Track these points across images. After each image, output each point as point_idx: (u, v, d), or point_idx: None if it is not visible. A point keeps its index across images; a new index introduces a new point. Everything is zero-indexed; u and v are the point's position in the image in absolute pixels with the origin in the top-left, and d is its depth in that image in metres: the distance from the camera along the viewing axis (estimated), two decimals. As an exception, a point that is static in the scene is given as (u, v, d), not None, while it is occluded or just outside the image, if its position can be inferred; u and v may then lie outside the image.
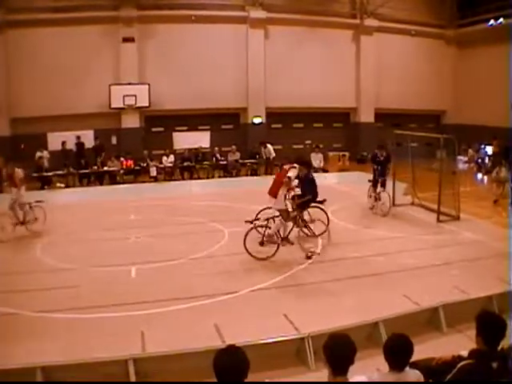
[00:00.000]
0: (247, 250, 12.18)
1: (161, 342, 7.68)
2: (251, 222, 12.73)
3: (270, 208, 12.93)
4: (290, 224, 12.73)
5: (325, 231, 13.49)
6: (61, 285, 10.59)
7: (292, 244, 12.66)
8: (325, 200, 13.72)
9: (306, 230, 13.15)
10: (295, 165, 12.85)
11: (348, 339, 4.42)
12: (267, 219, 12.65)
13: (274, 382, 4.38)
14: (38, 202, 15.01)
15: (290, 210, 12.55)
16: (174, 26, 26.83)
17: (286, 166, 12.87)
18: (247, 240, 12.15)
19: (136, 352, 7.20)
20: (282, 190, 12.37)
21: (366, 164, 28.40)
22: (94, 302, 9.55)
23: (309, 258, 12.18)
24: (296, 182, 13.06)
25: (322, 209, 13.91)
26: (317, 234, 13.08)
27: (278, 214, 12.47)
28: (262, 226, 12.54)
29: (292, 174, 12.57)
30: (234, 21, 27.89)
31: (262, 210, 13.58)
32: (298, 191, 13.24)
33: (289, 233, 12.70)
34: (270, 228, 12.43)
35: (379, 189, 16.74)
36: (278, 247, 12.28)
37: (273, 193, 12.47)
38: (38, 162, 22.79)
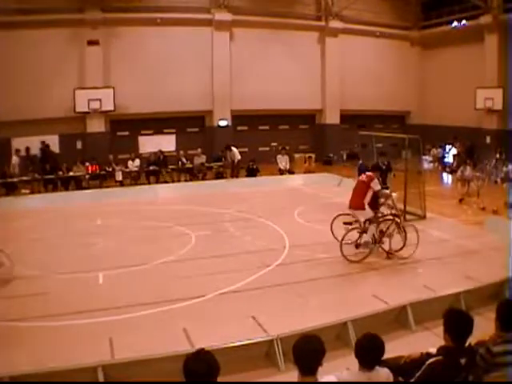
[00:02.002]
0: (343, 253, 11.94)
1: (130, 347, 7.58)
2: (350, 224, 12.65)
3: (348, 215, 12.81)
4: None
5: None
6: (27, 292, 10.40)
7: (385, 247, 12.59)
8: None
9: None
10: (371, 174, 12.72)
11: (317, 340, 4.43)
12: (364, 222, 12.34)
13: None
14: None
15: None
16: (140, 28, 26.65)
17: (364, 177, 12.70)
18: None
19: (105, 358, 7.10)
20: (366, 200, 12.27)
21: (332, 165, 28.72)
22: (62, 309, 9.39)
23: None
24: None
25: None
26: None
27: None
28: (357, 230, 12.35)
29: (375, 186, 12.40)
30: (200, 23, 27.79)
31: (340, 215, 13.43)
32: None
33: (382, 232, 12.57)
34: (366, 233, 12.26)
35: None
36: (370, 250, 12.22)
37: (360, 205, 12.26)
38: (9, 169, 22.45)
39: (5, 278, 11.55)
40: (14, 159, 23.07)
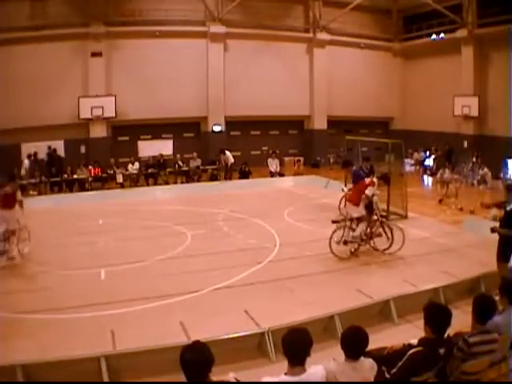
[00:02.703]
0: (331, 249, 12.07)
1: (130, 339, 7.59)
2: (338, 222, 12.69)
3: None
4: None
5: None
6: (34, 287, 10.43)
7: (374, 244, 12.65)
8: None
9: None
10: (374, 180, 12.91)
11: (304, 332, 4.45)
12: (351, 220, 12.40)
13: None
14: None
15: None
16: (139, 41, 26.68)
17: (367, 180, 12.81)
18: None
19: (107, 349, 7.11)
20: (363, 201, 12.37)
21: (320, 168, 28.76)
22: (67, 303, 9.39)
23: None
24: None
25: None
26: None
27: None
28: (348, 227, 12.36)
29: (369, 192, 12.45)
30: (195, 35, 27.80)
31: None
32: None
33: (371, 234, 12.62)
34: (353, 230, 12.32)
35: None
36: (358, 246, 12.37)
37: (354, 201, 12.44)
38: (19, 172, 22.36)
39: (25, 252, 12.22)
40: (25, 163, 23.18)
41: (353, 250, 12.29)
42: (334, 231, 12.22)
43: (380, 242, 12.61)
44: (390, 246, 12.48)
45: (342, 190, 15.69)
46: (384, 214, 14.87)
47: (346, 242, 12.27)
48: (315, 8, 30.27)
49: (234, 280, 10.68)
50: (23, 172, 22.81)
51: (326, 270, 11.34)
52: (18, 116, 23.25)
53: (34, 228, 14.02)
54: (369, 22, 32.32)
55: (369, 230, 12.55)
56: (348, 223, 12.37)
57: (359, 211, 12.37)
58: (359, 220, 12.34)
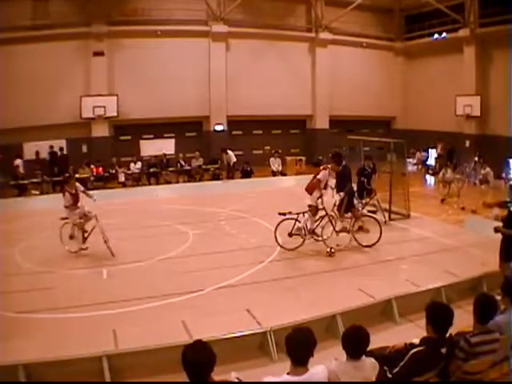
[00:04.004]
0: (277, 240, 12.63)
1: (132, 338, 7.56)
2: (284, 215, 12.80)
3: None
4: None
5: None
6: (36, 286, 10.41)
7: (318, 237, 12.74)
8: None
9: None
10: (329, 166, 13.17)
11: (308, 332, 4.44)
12: (297, 213, 12.67)
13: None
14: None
15: (320, 207, 12.65)
16: (141, 40, 26.66)
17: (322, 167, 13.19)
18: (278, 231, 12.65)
19: (109, 349, 7.10)
20: (317, 189, 12.63)
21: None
22: (69, 302, 9.38)
23: (330, 255, 12.18)
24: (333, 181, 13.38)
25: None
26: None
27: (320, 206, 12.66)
28: (292, 219, 12.65)
29: (321, 176, 12.74)
30: (197, 35, 27.79)
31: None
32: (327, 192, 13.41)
33: (315, 227, 12.77)
34: (299, 222, 12.59)
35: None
36: (304, 240, 12.58)
37: (309, 190, 12.76)
38: (15, 170, 22.45)
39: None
40: (18, 162, 23.03)
41: (299, 243, 12.58)
42: (279, 223, 12.63)
43: (366, 238, 13.00)
44: (376, 242, 12.81)
45: (331, 187, 15.64)
46: (373, 209, 15.27)
47: (290, 235, 12.65)
48: (317, 7, 30.27)
49: (235, 279, 10.67)
50: (21, 171, 22.74)
51: (327, 270, 11.34)
52: (20, 115, 23.26)
53: (35, 228, 14.10)
54: (371, 22, 32.30)
55: (314, 224, 12.78)
56: (295, 216, 12.66)
57: (312, 199, 12.63)
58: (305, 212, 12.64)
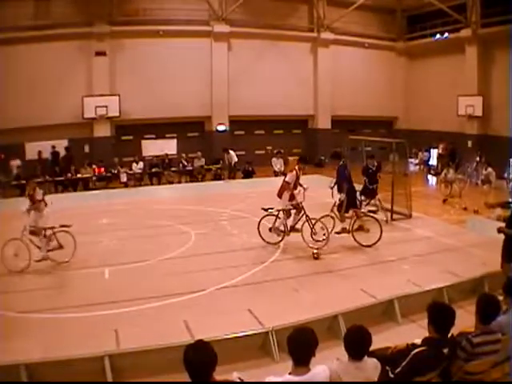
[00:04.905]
0: (260, 234, 13.13)
1: (134, 338, 7.55)
2: (266, 210, 13.08)
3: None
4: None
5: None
6: (38, 286, 10.45)
7: (299, 231, 12.86)
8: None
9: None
10: (296, 168, 13.21)
11: (310, 332, 4.44)
12: (278, 210, 12.91)
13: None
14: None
15: (299, 201, 12.89)
16: (143, 40, 26.70)
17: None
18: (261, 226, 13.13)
19: (111, 348, 7.09)
20: (286, 192, 12.88)
21: (324, 168, 28.66)
22: (71, 302, 9.42)
23: (315, 258, 12.17)
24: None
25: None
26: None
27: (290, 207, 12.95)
28: (272, 215, 13.04)
29: (289, 178, 12.97)
30: (199, 35, 27.82)
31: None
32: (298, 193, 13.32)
33: (296, 223, 12.98)
34: (279, 218, 12.88)
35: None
36: (283, 236, 12.93)
37: (279, 194, 13.04)
38: (12, 171, 22.47)
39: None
40: (13, 163, 22.97)
41: (279, 239, 12.98)
42: (261, 219, 13.13)
43: (365, 238, 13.04)
44: (376, 243, 12.90)
45: (330, 187, 15.62)
46: (374, 209, 15.17)
47: (270, 229, 13.02)
48: (319, 7, 30.29)
49: (237, 279, 10.69)
50: (15, 171, 22.67)
51: (329, 270, 11.36)
52: (22, 115, 23.29)
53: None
54: (373, 22, 32.29)
55: (290, 222, 13.00)
56: (275, 212, 12.95)
57: (282, 203, 12.88)
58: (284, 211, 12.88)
